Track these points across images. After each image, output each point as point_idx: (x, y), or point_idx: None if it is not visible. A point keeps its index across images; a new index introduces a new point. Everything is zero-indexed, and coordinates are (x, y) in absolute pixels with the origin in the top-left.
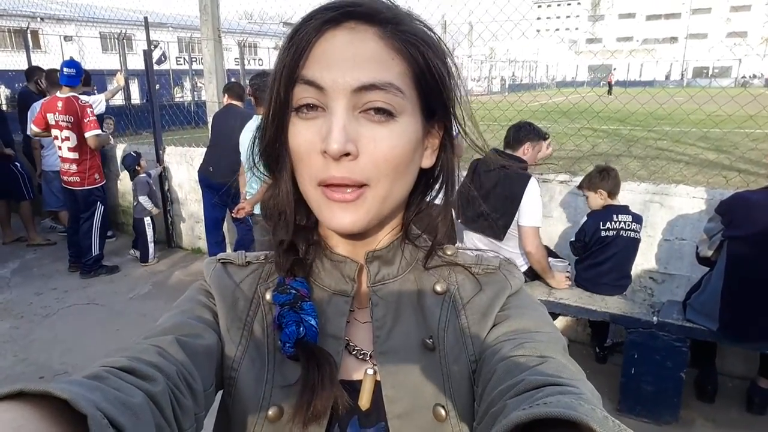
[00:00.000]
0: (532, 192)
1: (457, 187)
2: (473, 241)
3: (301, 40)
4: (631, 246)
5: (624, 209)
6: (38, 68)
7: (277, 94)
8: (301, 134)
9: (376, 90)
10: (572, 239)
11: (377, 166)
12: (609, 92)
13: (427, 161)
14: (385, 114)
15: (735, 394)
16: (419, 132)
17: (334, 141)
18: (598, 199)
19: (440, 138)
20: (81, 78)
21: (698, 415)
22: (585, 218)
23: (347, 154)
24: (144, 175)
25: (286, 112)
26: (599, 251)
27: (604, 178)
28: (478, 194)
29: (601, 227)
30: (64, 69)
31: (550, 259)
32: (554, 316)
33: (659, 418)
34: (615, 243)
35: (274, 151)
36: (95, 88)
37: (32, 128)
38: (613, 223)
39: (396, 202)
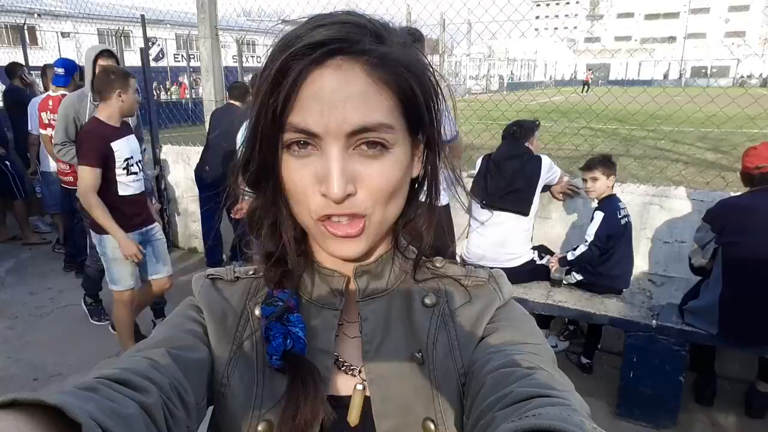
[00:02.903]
0: (547, 163)
1: (443, 186)
2: (493, 223)
3: (286, 85)
4: (630, 232)
5: (617, 196)
6: (17, 64)
7: (265, 135)
8: (297, 173)
9: (368, 131)
10: (593, 241)
11: (374, 198)
12: (585, 90)
13: (416, 170)
14: (378, 147)
15: (734, 397)
16: (409, 153)
17: (336, 187)
18: (607, 185)
19: (424, 145)
20: (72, 76)
21: (697, 419)
22: (599, 213)
23: (348, 195)
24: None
25: (276, 148)
26: (620, 243)
27: (614, 164)
28: (504, 178)
29: (619, 217)
30: (56, 69)
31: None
32: (549, 319)
33: (658, 422)
34: (626, 230)
35: (264, 175)
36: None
37: (40, 131)
38: (622, 210)
39: (392, 221)
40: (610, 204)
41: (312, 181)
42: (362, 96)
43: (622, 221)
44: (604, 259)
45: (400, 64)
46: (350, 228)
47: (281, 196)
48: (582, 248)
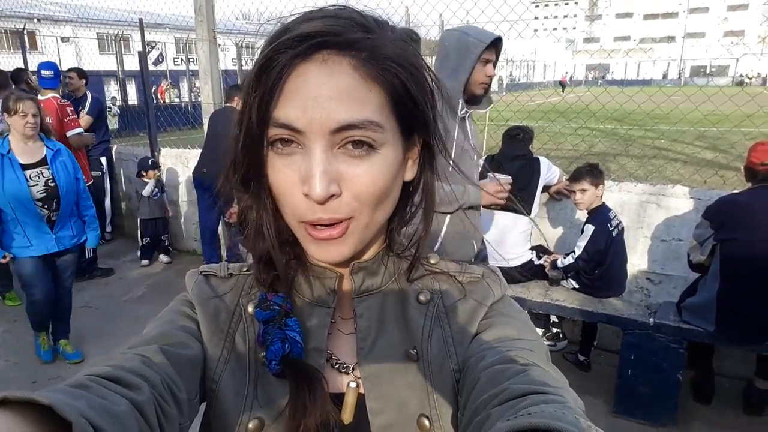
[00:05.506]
0: (545, 163)
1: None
2: (496, 220)
3: (270, 78)
4: (623, 238)
5: (606, 206)
6: (22, 69)
7: (249, 131)
8: (281, 172)
9: (354, 128)
10: (580, 255)
11: (360, 200)
12: (562, 90)
13: (409, 174)
14: (365, 147)
15: (732, 395)
16: (400, 155)
17: (317, 187)
18: (596, 195)
19: (420, 148)
20: (60, 78)
21: (695, 417)
22: (589, 226)
23: (331, 196)
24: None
25: (261, 145)
26: (610, 253)
27: (601, 172)
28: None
29: (610, 229)
30: (42, 71)
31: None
32: (543, 318)
33: (656, 420)
34: (618, 240)
35: (251, 174)
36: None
37: None
38: (613, 220)
39: (379, 225)
40: (600, 216)
41: (296, 181)
42: (349, 91)
43: (614, 233)
44: (599, 268)
45: (392, 60)
46: (332, 230)
47: (268, 198)
48: (570, 259)
